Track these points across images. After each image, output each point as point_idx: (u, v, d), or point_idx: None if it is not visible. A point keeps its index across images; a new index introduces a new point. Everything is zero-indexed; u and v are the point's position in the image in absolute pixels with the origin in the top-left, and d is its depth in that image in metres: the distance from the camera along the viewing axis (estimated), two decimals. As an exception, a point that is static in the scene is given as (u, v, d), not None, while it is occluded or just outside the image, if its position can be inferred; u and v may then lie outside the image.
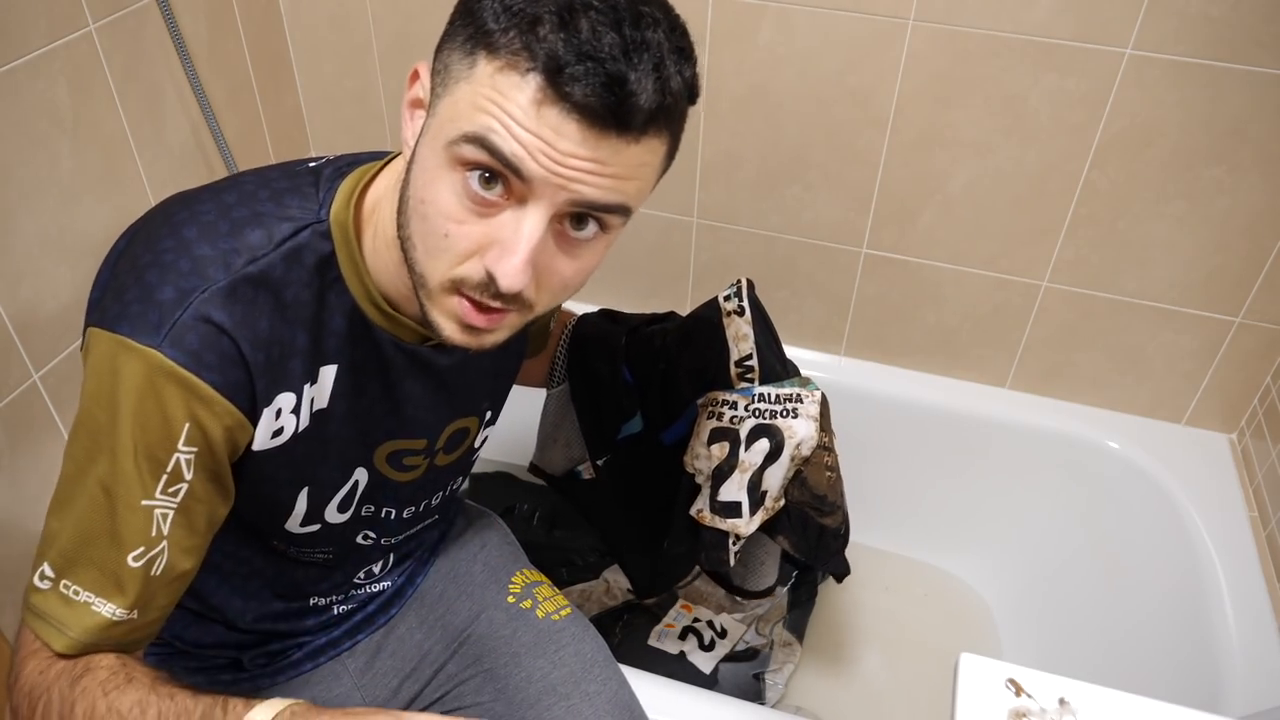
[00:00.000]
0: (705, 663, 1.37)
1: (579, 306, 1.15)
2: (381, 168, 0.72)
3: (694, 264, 1.51)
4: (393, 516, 0.87)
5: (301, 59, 1.50)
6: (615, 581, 1.49)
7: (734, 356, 1.03)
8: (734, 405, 1.02)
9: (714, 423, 1.02)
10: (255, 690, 0.88)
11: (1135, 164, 1.22)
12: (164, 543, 0.65)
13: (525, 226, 0.59)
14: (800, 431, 0.98)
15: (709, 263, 1.50)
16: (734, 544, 1.01)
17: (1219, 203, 1.21)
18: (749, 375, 1.03)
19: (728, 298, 1.02)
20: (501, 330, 0.65)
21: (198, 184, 0.72)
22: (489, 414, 0.91)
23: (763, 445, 0.98)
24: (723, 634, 1.42)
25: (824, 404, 1.02)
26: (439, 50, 0.61)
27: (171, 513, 0.65)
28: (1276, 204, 1.19)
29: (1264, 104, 1.13)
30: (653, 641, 1.40)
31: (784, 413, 1.00)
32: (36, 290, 1.06)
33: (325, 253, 0.68)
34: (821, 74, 1.27)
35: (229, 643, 0.87)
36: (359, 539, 0.87)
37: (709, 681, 1.35)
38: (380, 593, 0.96)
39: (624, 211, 0.62)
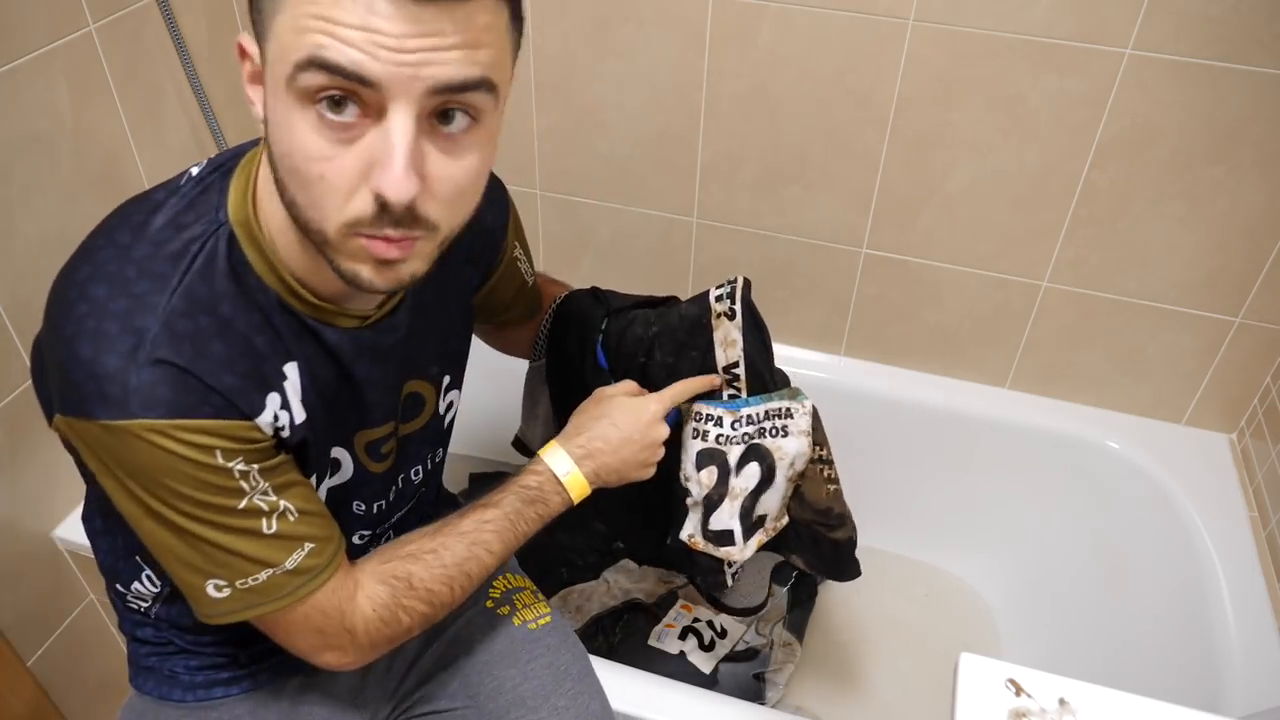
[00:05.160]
0: (705, 663, 1.37)
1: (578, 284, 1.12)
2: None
3: (694, 264, 1.51)
4: (383, 507, 0.88)
5: (301, 59, 1.50)
6: (615, 581, 1.49)
7: (720, 363, 0.96)
8: (719, 422, 0.96)
9: (700, 443, 0.97)
10: (255, 686, 0.88)
11: (1135, 164, 1.22)
12: (282, 502, 0.69)
13: (394, 133, 0.57)
14: (791, 450, 0.95)
15: (709, 263, 1.50)
16: (730, 568, 0.99)
17: (1219, 203, 1.21)
18: (735, 384, 0.97)
19: (719, 298, 0.95)
20: (416, 259, 0.63)
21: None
22: (446, 379, 0.89)
23: (753, 470, 0.95)
24: (723, 634, 1.42)
25: (815, 416, 0.97)
26: (250, 12, 0.60)
27: (269, 496, 0.68)
28: (1276, 204, 1.19)
29: (1264, 104, 1.13)
30: (653, 641, 1.40)
31: (773, 431, 0.95)
32: (36, 290, 1.05)
33: (235, 255, 0.67)
34: (821, 74, 1.27)
35: (227, 640, 0.87)
36: (354, 539, 0.87)
37: (709, 681, 1.35)
38: None
39: (486, 86, 0.58)
